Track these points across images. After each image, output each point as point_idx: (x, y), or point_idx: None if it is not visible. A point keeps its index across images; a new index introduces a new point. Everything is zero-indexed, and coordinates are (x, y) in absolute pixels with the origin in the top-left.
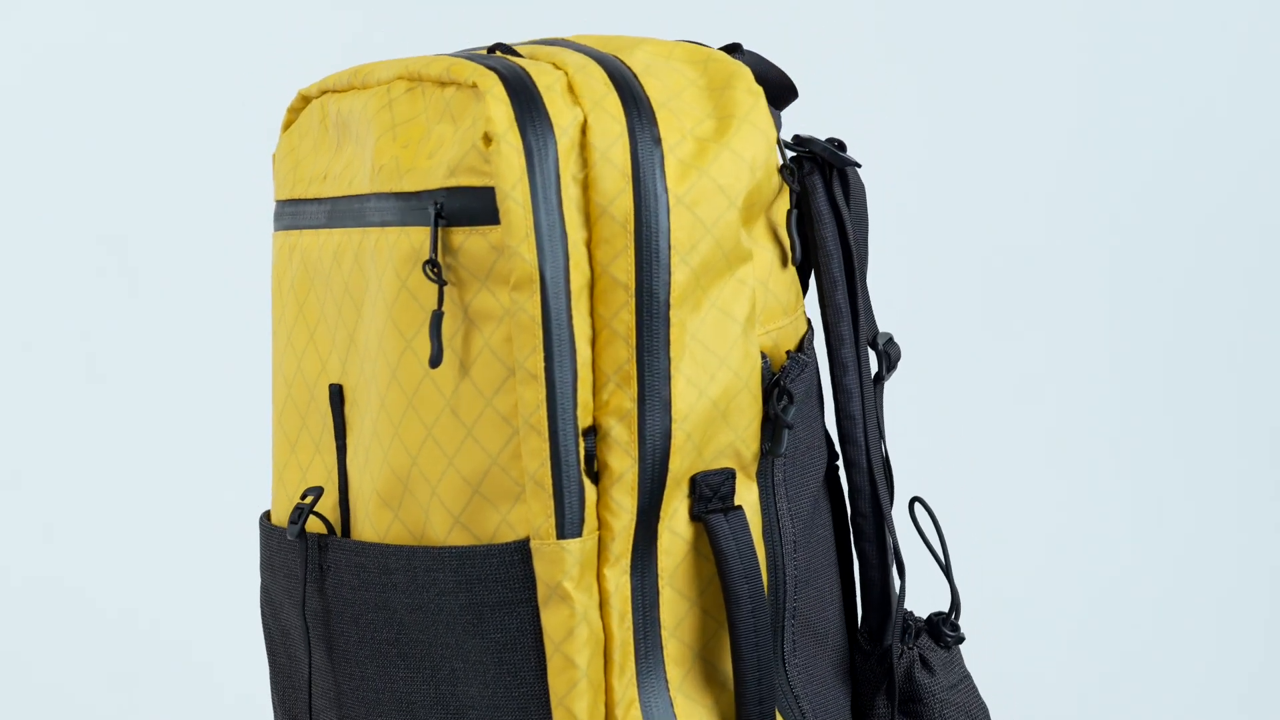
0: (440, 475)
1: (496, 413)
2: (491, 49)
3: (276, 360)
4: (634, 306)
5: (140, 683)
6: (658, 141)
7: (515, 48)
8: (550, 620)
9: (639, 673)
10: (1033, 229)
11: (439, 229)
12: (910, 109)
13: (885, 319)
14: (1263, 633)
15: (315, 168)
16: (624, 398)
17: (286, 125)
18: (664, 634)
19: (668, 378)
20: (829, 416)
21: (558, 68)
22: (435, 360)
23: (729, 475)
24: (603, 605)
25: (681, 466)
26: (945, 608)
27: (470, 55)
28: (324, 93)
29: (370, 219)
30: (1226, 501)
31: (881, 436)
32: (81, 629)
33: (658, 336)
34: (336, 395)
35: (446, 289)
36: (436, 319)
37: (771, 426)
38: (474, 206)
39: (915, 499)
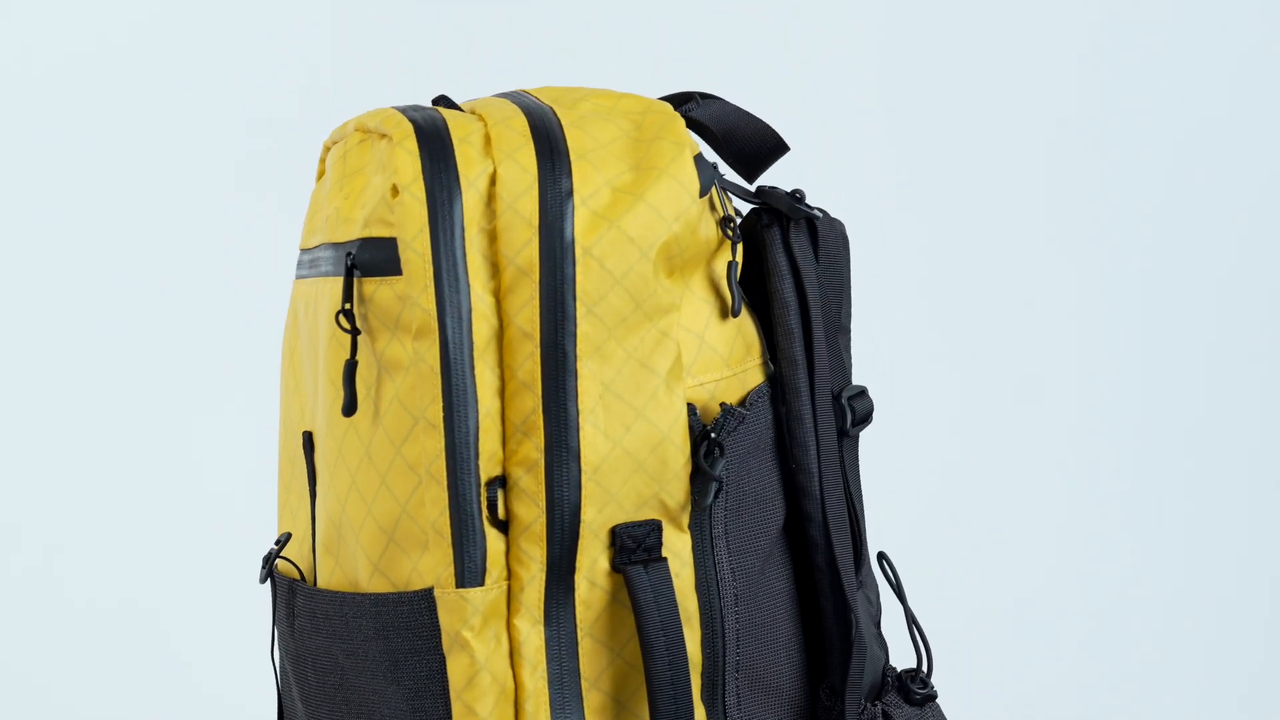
0: (361, 522)
1: (405, 461)
2: (435, 101)
3: (280, 407)
4: (539, 357)
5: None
6: (569, 193)
7: (486, 99)
8: (452, 668)
9: None
10: (1033, 231)
11: (353, 279)
12: (910, 112)
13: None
14: (1263, 635)
15: (317, 217)
16: (531, 448)
17: (319, 175)
18: (584, 685)
19: (576, 428)
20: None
21: (480, 120)
22: (346, 409)
23: (654, 527)
24: (513, 655)
25: (597, 517)
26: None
27: (409, 107)
28: (334, 142)
29: (322, 268)
30: (1227, 503)
31: (849, 491)
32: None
33: (564, 387)
34: (308, 442)
35: (363, 338)
36: (349, 368)
37: (700, 479)
38: (381, 257)
39: (880, 554)
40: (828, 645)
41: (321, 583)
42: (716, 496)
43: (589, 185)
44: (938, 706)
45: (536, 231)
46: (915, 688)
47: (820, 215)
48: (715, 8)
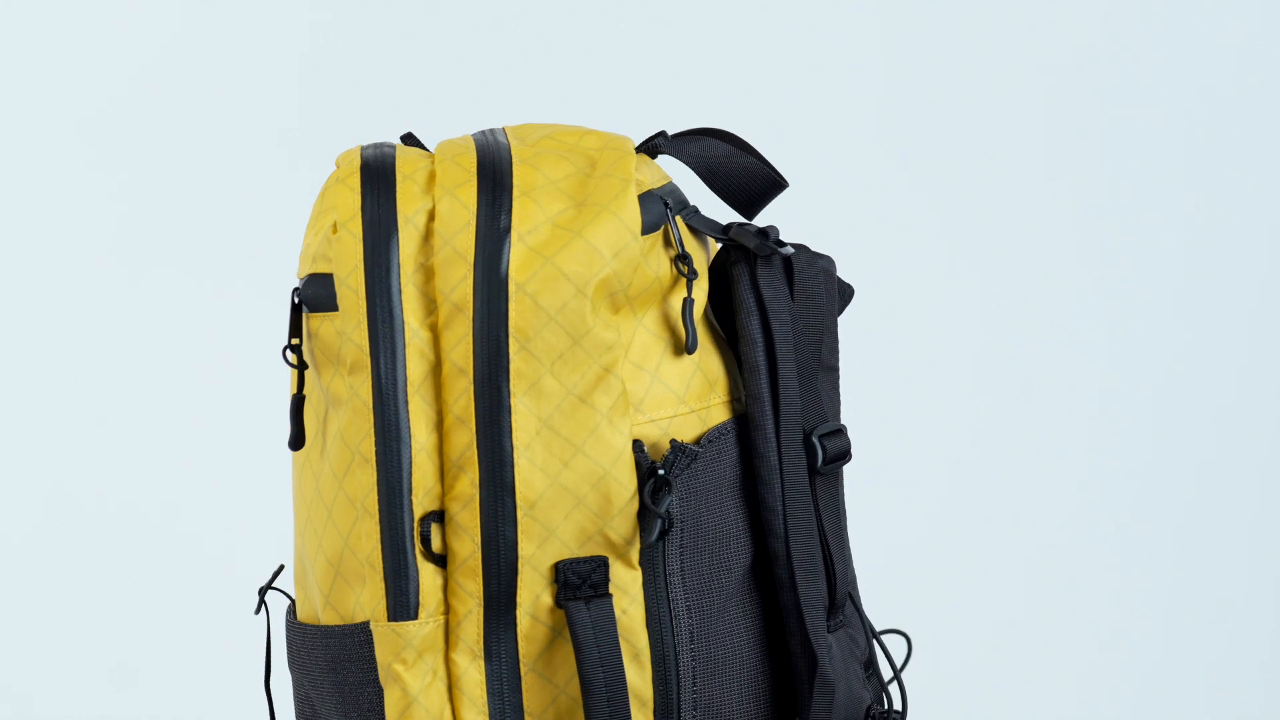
0: (315, 555)
1: (345, 495)
2: (402, 138)
3: None
4: (472, 393)
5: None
6: (507, 229)
7: (454, 137)
8: (388, 701)
9: None
10: (1033, 232)
11: (301, 314)
12: (910, 113)
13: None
14: (1269, 640)
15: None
16: (466, 483)
17: None
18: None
19: (511, 464)
20: None
21: (429, 157)
22: (292, 442)
23: (600, 563)
24: (451, 689)
25: (537, 553)
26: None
27: (374, 144)
28: None
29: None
30: (1229, 504)
31: (823, 530)
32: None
33: (498, 423)
34: None
35: (313, 373)
36: (295, 402)
37: (647, 516)
38: (323, 293)
39: (848, 595)
40: (797, 685)
41: (297, 615)
42: (667, 534)
43: (529, 222)
44: None
45: (472, 268)
46: None
47: (794, 251)
48: (722, 27)
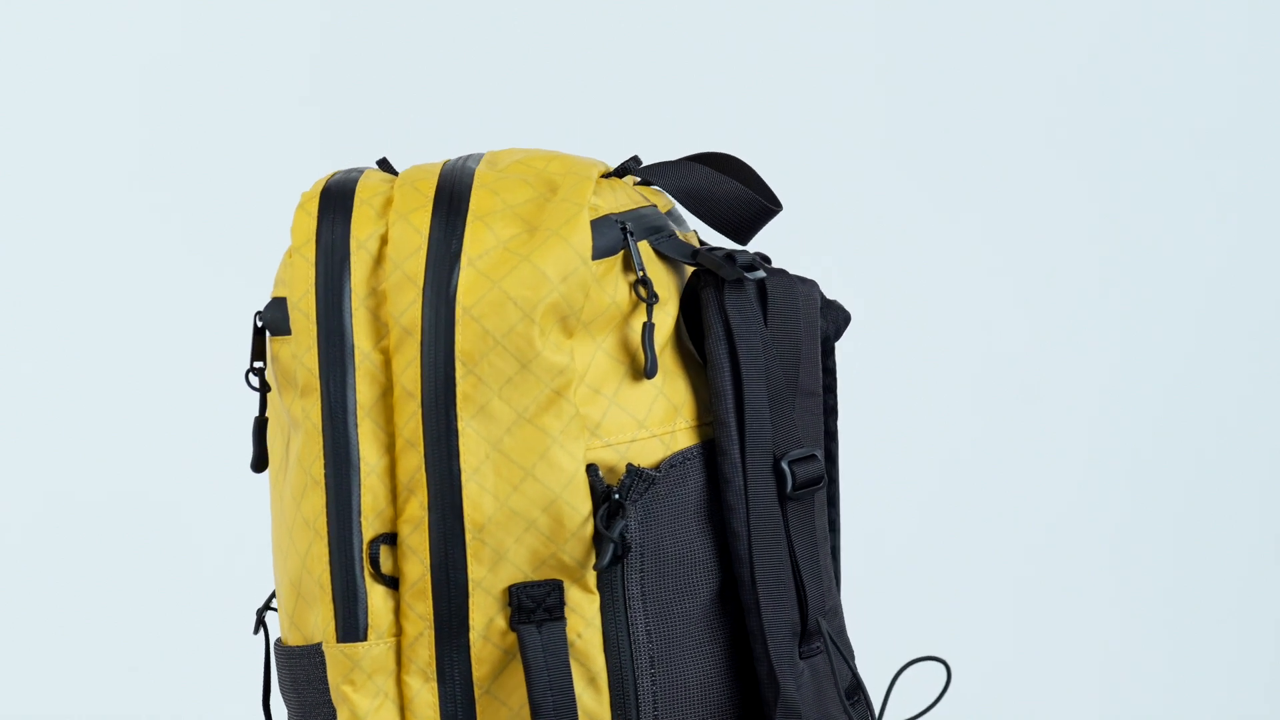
0: (280, 577)
1: (302, 517)
2: (378, 163)
3: None
4: (420, 416)
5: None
6: (457, 254)
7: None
8: None
9: None
10: (1032, 231)
11: (264, 338)
12: (909, 114)
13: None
14: (1272, 639)
15: None
16: (416, 505)
17: None
18: None
19: (459, 486)
20: None
21: (390, 181)
22: (253, 464)
23: (554, 587)
24: (403, 710)
25: (489, 576)
26: None
27: (347, 170)
28: None
29: None
30: (1230, 505)
31: (795, 557)
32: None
33: (446, 446)
34: None
35: (274, 395)
36: (256, 424)
37: (600, 540)
38: (280, 317)
39: (820, 622)
40: (766, 713)
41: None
42: (624, 558)
43: (480, 246)
44: None
45: (421, 292)
46: None
47: (767, 275)
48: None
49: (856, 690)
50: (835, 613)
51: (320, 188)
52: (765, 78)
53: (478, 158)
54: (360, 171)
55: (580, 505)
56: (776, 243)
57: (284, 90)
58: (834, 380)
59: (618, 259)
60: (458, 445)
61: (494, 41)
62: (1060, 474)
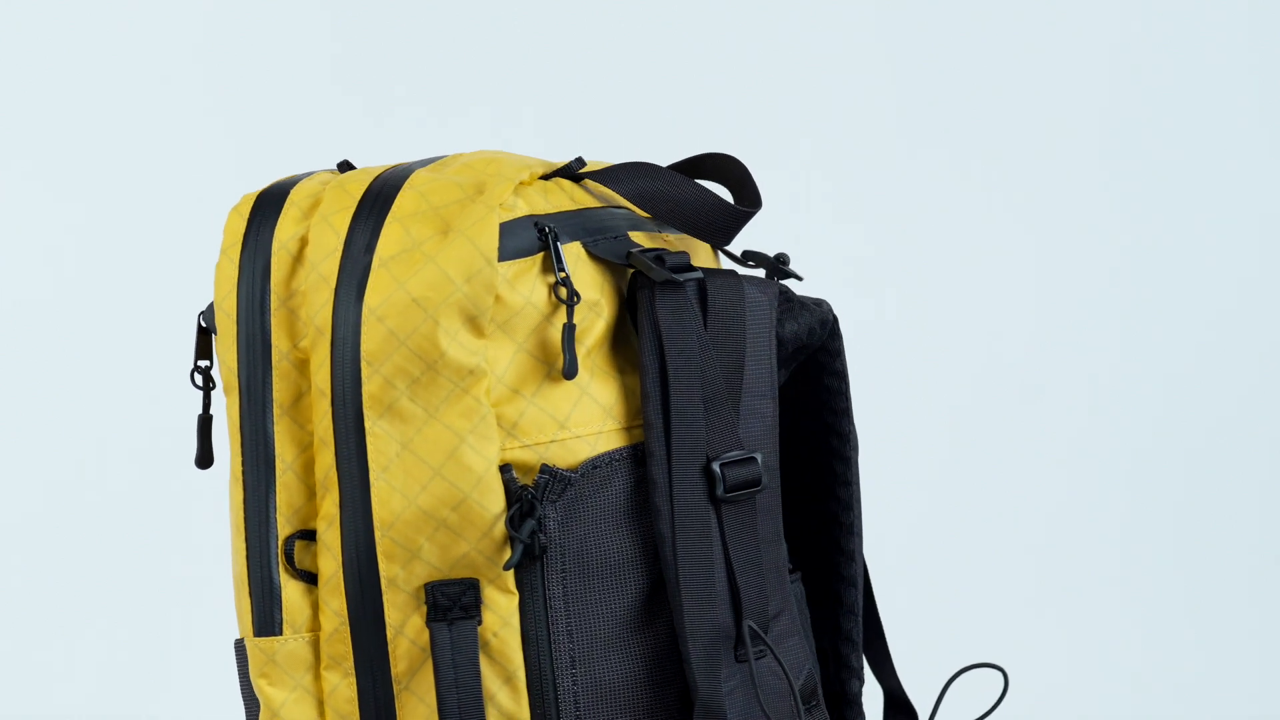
0: (228, 572)
1: (232, 514)
2: (339, 166)
3: None
4: (331, 415)
5: None
6: (370, 255)
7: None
8: (260, 715)
9: None
10: (1032, 231)
11: (209, 338)
12: (908, 112)
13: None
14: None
15: None
16: (330, 503)
17: None
18: None
19: (366, 485)
20: None
21: (326, 183)
22: (197, 461)
23: (470, 585)
24: (323, 705)
25: (401, 574)
26: None
27: (302, 174)
28: None
29: None
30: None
31: (730, 560)
32: None
33: (355, 445)
34: None
35: (218, 393)
36: (200, 422)
37: (511, 540)
38: (214, 319)
39: (750, 626)
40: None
41: None
42: (540, 558)
43: (392, 247)
44: None
45: (334, 293)
46: None
47: (705, 276)
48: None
49: (812, 695)
50: (790, 615)
51: (257, 190)
52: (771, 70)
53: (433, 160)
54: (305, 174)
55: (491, 505)
56: (775, 238)
57: (271, 91)
58: (842, 382)
59: (535, 260)
60: (366, 445)
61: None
62: (1062, 464)
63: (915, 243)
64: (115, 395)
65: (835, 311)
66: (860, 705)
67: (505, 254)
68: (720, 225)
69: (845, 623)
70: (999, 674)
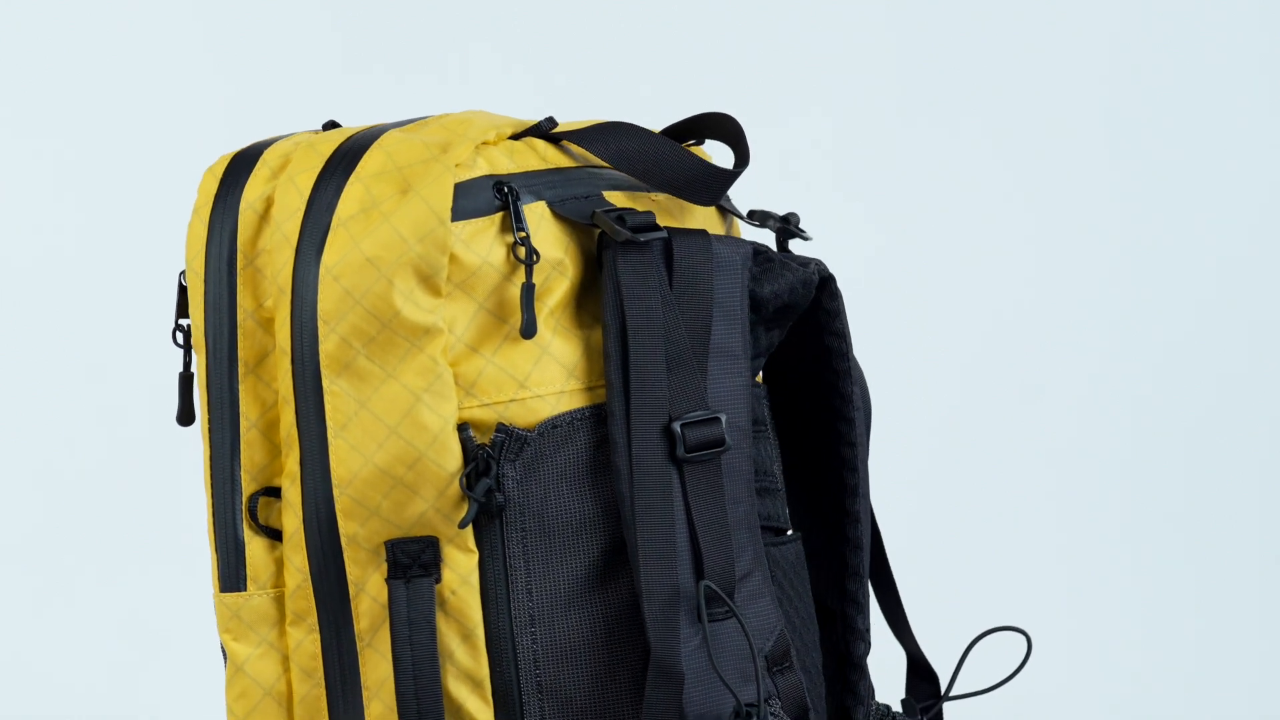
0: None
1: (203, 471)
2: (324, 126)
3: None
4: (291, 374)
5: None
6: (328, 215)
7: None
8: (226, 672)
9: None
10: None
11: (186, 297)
12: (908, 112)
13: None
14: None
15: None
16: (293, 461)
17: None
18: (366, 695)
19: (325, 443)
20: None
21: (298, 143)
22: (178, 418)
23: (429, 544)
24: (288, 660)
25: (361, 531)
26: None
27: (289, 134)
28: None
29: None
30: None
31: (690, 519)
32: None
33: (312, 403)
34: None
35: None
36: (181, 380)
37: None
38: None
39: (708, 586)
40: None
41: None
42: (499, 517)
43: (352, 206)
44: None
45: (295, 252)
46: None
47: (671, 235)
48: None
49: (783, 658)
50: (760, 577)
51: (238, 151)
52: (777, 46)
53: (414, 120)
54: (286, 135)
55: (447, 463)
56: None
57: (272, 51)
58: (842, 342)
59: (494, 220)
60: (325, 403)
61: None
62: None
63: (915, 238)
64: (108, 361)
65: (829, 271)
66: (864, 668)
67: (461, 213)
68: (701, 185)
69: (850, 585)
70: (1022, 638)
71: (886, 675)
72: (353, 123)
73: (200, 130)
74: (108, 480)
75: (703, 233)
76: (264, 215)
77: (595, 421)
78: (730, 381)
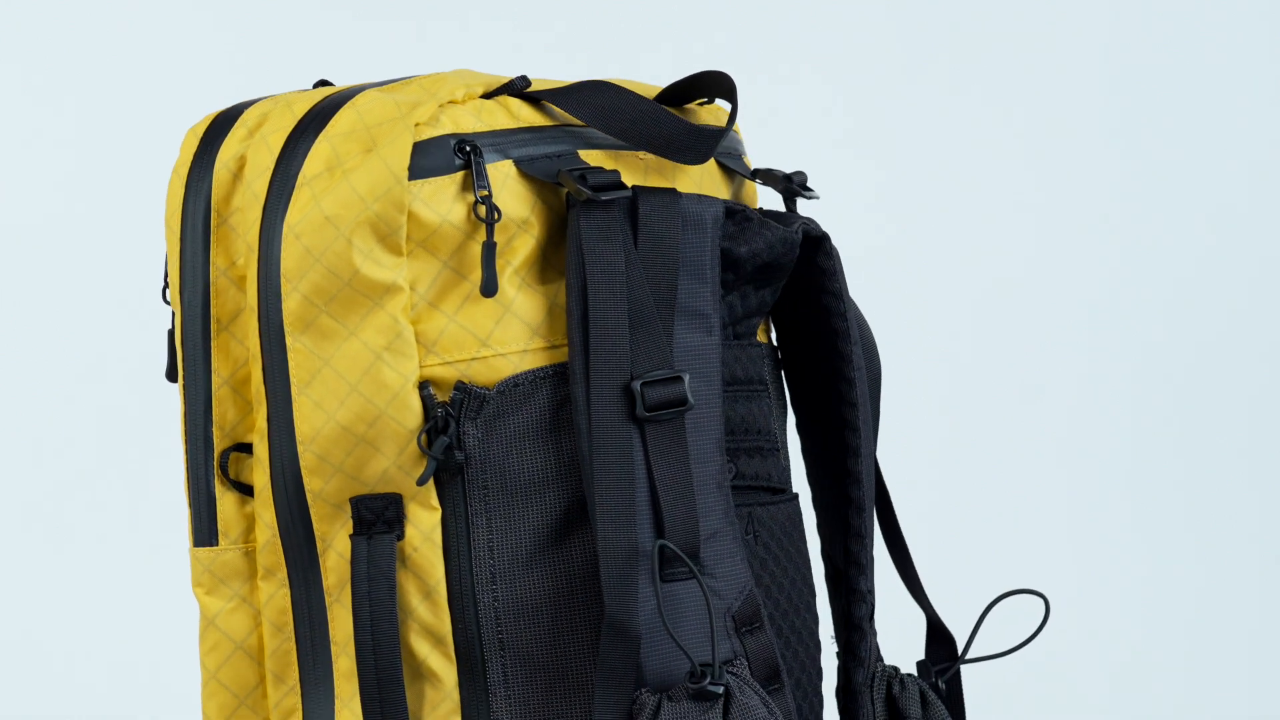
0: None
1: (180, 427)
2: (315, 85)
3: None
4: (258, 331)
5: None
6: (296, 173)
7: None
8: (199, 623)
9: (304, 683)
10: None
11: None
12: (907, 111)
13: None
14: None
15: None
16: (261, 418)
17: None
18: (334, 649)
19: (289, 400)
20: None
21: (278, 102)
22: (167, 374)
23: (393, 500)
24: (257, 615)
25: (326, 488)
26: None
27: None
28: None
29: None
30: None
31: (651, 477)
32: None
33: (277, 360)
34: None
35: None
36: (169, 336)
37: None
38: None
39: (662, 544)
40: None
41: None
42: (461, 475)
43: (317, 165)
44: (719, 706)
45: (263, 210)
46: (707, 684)
47: (637, 193)
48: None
49: (752, 620)
50: (728, 536)
51: (221, 110)
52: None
53: (398, 80)
54: (271, 95)
55: (407, 421)
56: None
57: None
58: (839, 301)
59: (455, 178)
60: (288, 361)
61: None
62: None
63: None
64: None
65: (822, 230)
66: (865, 629)
67: (420, 172)
68: (683, 143)
69: (853, 546)
70: (1040, 601)
71: (910, 639)
72: (356, 80)
73: (211, 89)
74: (107, 436)
75: (671, 191)
76: (237, 174)
77: (558, 380)
78: (697, 340)
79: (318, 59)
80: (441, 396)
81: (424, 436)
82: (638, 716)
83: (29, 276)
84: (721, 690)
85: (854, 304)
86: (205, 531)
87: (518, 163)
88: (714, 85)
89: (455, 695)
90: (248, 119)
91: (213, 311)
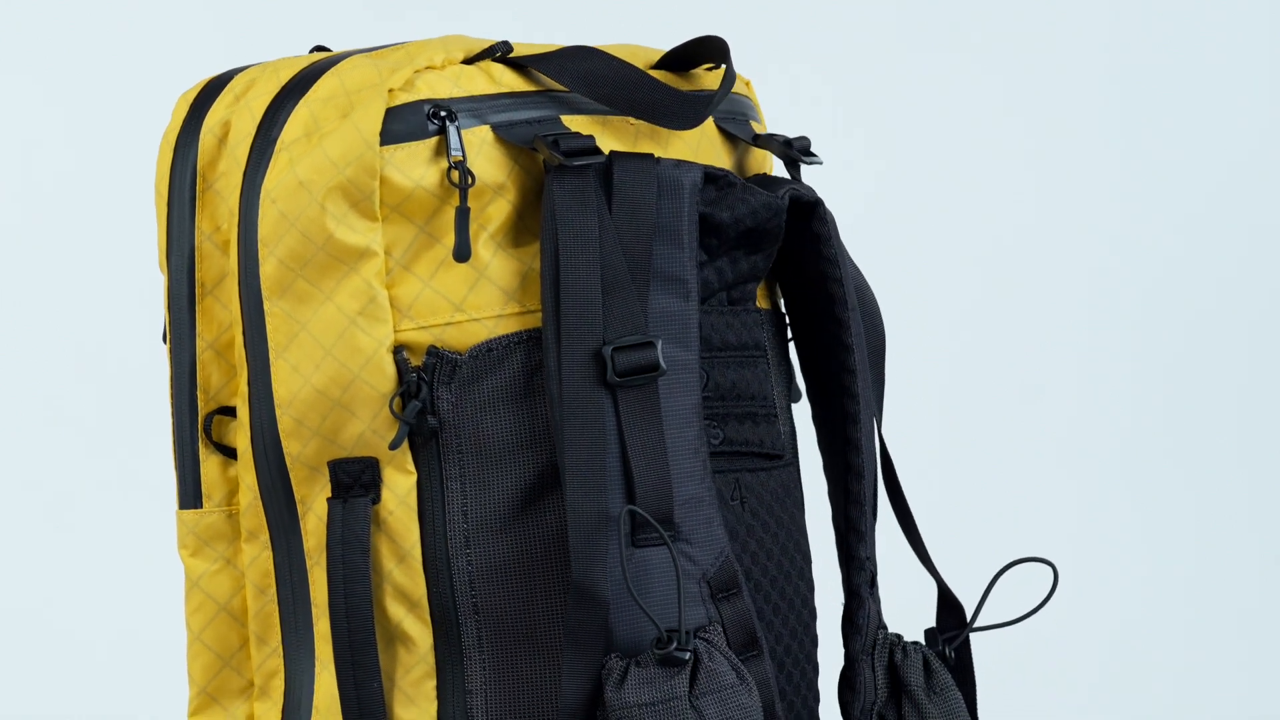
0: None
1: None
2: (312, 50)
3: None
4: (239, 296)
5: None
6: (275, 139)
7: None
8: (184, 584)
9: (286, 645)
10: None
11: None
12: (906, 109)
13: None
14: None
15: None
16: (243, 381)
17: None
18: (315, 611)
19: (267, 364)
20: None
21: (266, 68)
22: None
23: (369, 464)
24: (241, 576)
25: (304, 451)
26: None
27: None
28: None
29: None
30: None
31: (623, 443)
32: None
33: (256, 325)
34: None
35: None
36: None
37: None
38: None
39: (630, 510)
40: None
41: None
42: (435, 439)
43: (296, 131)
44: (686, 671)
45: (243, 175)
46: (673, 650)
47: (606, 160)
48: None
49: (729, 585)
50: (705, 501)
51: (213, 76)
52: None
53: (387, 46)
54: (268, 61)
55: (380, 385)
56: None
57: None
58: (835, 268)
59: (428, 144)
60: (266, 325)
61: None
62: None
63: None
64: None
65: (816, 195)
66: (863, 596)
67: (393, 137)
68: (671, 109)
69: (852, 512)
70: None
71: (918, 607)
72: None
73: (210, 59)
74: (109, 398)
75: (648, 156)
76: (222, 139)
77: (532, 345)
78: (673, 305)
79: (318, 26)
80: (416, 361)
81: (397, 400)
82: (605, 681)
83: (31, 247)
84: (689, 656)
85: (857, 271)
86: (190, 494)
87: (495, 128)
88: (709, 49)
89: (430, 658)
90: (236, 85)
91: (198, 276)
